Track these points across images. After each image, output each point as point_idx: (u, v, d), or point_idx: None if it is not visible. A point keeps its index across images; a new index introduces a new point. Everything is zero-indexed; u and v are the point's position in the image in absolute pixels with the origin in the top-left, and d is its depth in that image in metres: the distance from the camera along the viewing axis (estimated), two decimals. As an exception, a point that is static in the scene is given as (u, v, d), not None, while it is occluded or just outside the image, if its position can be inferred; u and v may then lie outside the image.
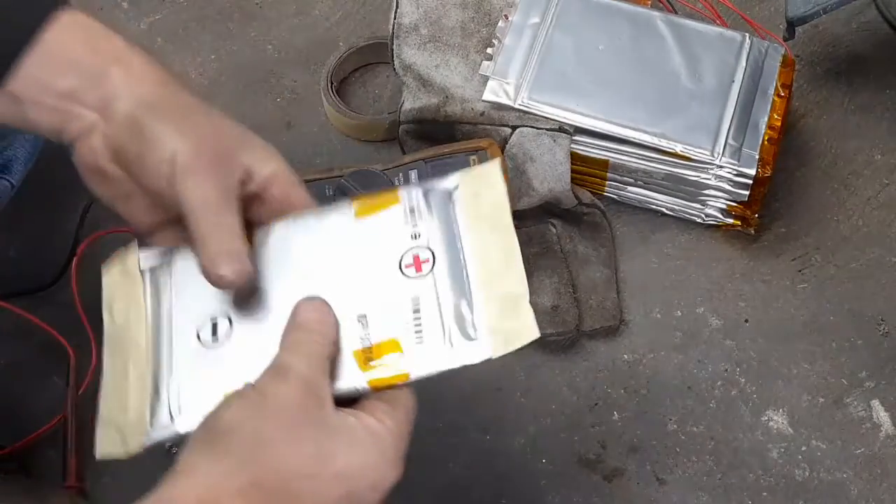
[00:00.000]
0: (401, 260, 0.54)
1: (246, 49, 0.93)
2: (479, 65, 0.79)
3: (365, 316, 0.53)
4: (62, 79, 0.52)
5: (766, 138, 0.75)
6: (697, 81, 0.77)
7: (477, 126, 0.78)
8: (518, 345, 0.52)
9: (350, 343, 0.52)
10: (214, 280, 0.49)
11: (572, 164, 0.76)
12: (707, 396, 0.74)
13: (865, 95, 0.86)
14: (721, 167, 0.74)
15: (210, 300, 0.53)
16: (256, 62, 0.92)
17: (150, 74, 0.53)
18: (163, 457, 0.73)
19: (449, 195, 0.56)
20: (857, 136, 0.84)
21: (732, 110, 0.76)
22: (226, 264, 0.49)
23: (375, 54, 0.90)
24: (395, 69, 0.81)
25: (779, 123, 0.76)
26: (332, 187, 0.77)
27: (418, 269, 0.54)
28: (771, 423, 0.73)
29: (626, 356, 0.76)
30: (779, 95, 0.77)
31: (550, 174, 0.75)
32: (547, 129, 0.76)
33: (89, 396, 0.74)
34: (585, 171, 0.78)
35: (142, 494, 0.73)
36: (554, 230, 0.79)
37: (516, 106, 0.77)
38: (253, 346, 0.52)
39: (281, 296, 0.53)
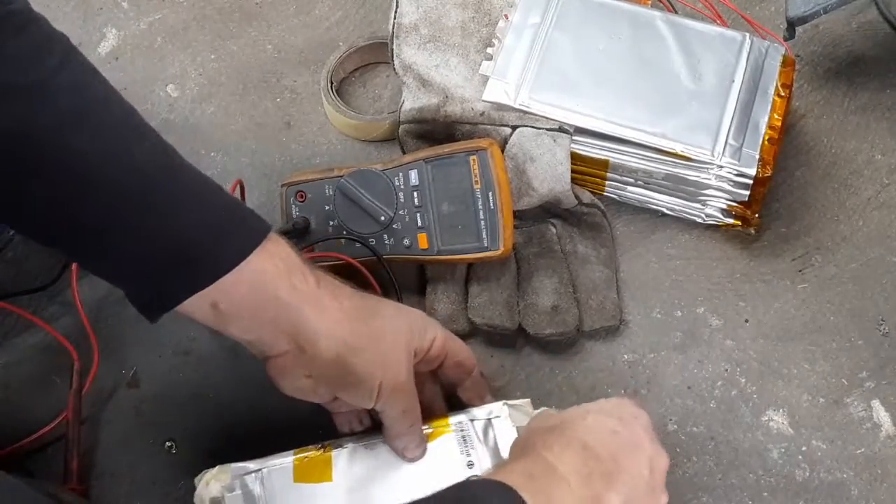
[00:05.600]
0: None
1: (246, 49, 0.93)
2: (479, 65, 0.79)
3: None
4: (263, 310, 0.60)
5: (766, 138, 0.75)
6: (697, 81, 0.77)
7: (477, 126, 0.77)
8: None
9: None
10: (409, 459, 0.66)
11: (572, 164, 0.76)
12: (707, 396, 0.74)
13: (865, 95, 0.86)
14: (721, 167, 0.74)
15: None
16: (256, 62, 0.92)
17: (339, 312, 0.62)
18: (163, 458, 0.73)
19: (490, 423, 0.68)
20: (857, 136, 0.84)
21: (732, 110, 0.76)
22: (415, 448, 0.66)
23: (375, 54, 0.90)
24: (395, 69, 0.81)
25: (779, 123, 0.76)
26: (331, 187, 0.77)
27: None
28: (771, 423, 0.73)
29: (626, 356, 0.76)
30: (779, 95, 0.76)
31: (550, 174, 0.75)
32: (547, 129, 0.76)
33: (91, 397, 0.74)
34: (585, 171, 0.78)
35: (142, 495, 0.74)
36: (554, 230, 0.79)
37: (516, 106, 0.77)
38: None
39: None
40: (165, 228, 0.57)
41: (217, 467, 0.66)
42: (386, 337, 0.63)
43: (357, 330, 0.62)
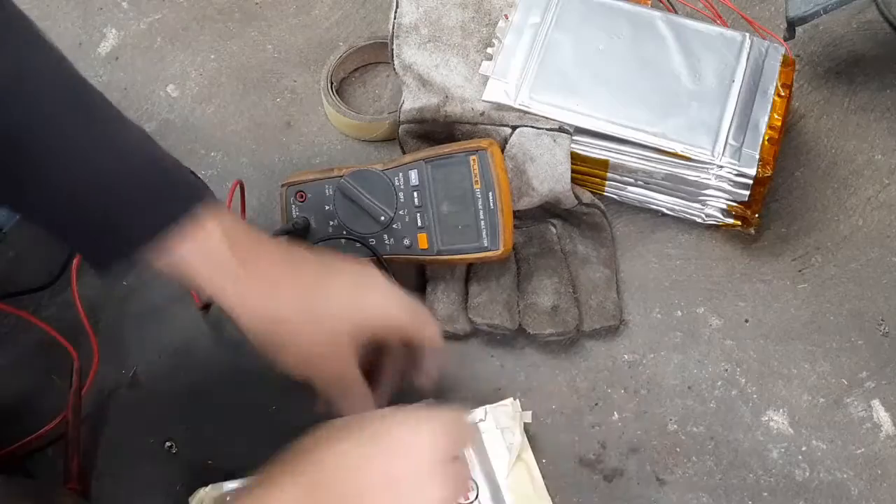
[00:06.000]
0: None
1: (246, 49, 0.93)
2: (480, 64, 0.79)
3: None
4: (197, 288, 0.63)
5: (766, 138, 0.75)
6: (697, 81, 0.77)
7: (477, 126, 0.77)
8: None
9: None
10: None
11: (572, 164, 0.76)
12: (707, 396, 0.74)
13: (865, 95, 0.86)
14: (721, 167, 0.74)
15: None
16: (256, 62, 0.92)
17: (264, 315, 0.60)
18: (163, 458, 0.73)
19: (476, 427, 0.68)
20: (857, 136, 0.84)
21: (732, 110, 0.76)
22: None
23: (375, 54, 0.90)
24: (395, 69, 0.81)
25: (779, 123, 0.76)
26: (332, 187, 0.77)
27: (465, 497, 0.67)
28: (771, 424, 0.73)
29: (626, 356, 0.76)
30: (779, 95, 0.76)
31: (550, 174, 0.75)
32: (547, 129, 0.76)
33: (91, 397, 0.74)
34: (585, 171, 0.78)
35: (142, 495, 0.74)
36: (554, 230, 0.79)
37: (516, 106, 0.77)
38: None
39: None
40: (89, 199, 0.57)
41: (210, 486, 0.67)
42: (315, 338, 0.61)
43: (282, 333, 0.61)
